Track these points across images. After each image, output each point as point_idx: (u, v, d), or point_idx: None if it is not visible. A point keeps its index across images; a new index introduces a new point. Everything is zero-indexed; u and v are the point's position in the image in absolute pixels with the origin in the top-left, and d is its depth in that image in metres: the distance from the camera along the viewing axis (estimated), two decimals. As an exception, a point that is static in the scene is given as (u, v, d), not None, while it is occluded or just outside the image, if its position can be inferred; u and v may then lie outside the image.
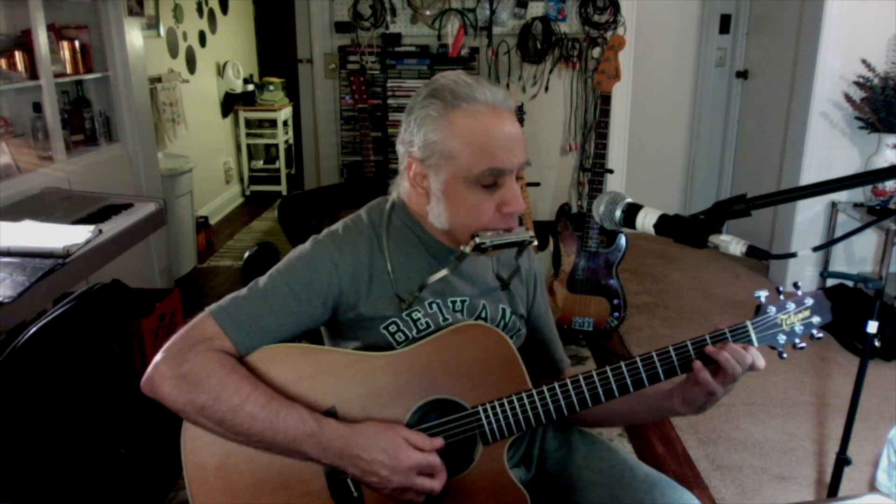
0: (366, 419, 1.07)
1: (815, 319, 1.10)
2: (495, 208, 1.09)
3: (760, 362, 1.05)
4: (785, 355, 1.09)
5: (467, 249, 1.09)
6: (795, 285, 1.11)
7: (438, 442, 1.06)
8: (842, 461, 1.93)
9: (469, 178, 1.07)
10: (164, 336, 2.68)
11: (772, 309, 1.09)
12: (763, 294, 1.09)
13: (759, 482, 2.20)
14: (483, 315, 1.21)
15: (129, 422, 1.95)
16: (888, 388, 2.75)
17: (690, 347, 1.07)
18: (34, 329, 1.55)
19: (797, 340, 1.09)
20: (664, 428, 2.52)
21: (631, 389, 1.09)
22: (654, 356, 1.08)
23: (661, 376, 1.08)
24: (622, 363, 1.09)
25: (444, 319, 1.17)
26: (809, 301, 1.10)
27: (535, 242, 1.18)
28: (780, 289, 1.10)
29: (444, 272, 1.14)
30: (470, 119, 1.07)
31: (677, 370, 1.08)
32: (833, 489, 1.95)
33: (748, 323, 1.08)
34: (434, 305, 1.17)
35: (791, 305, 1.09)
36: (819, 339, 1.10)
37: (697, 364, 1.05)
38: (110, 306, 1.82)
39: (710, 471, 2.26)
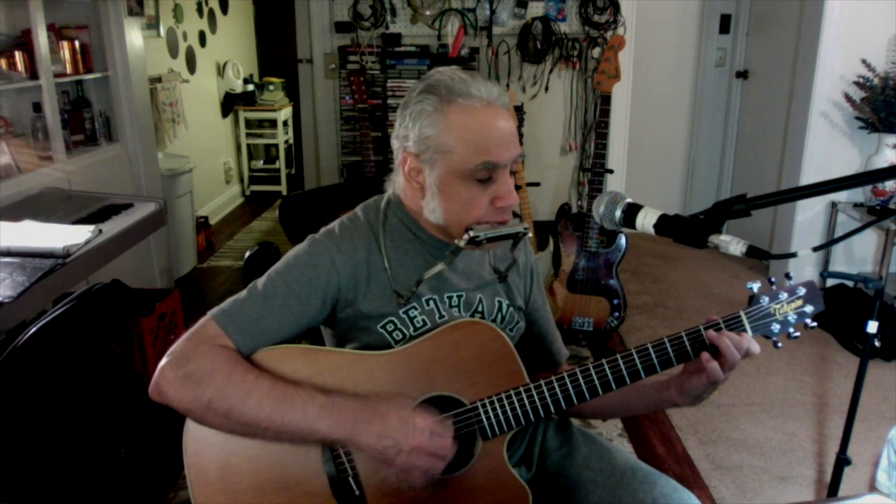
0: None
1: (808, 308, 1.10)
2: (489, 202, 1.10)
3: (755, 347, 1.06)
4: (780, 344, 1.10)
5: (461, 243, 1.10)
6: (787, 276, 1.11)
7: (448, 422, 1.07)
8: (842, 461, 1.93)
9: (464, 173, 1.08)
10: (164, 336, 2.69)
11: (764, 299, 1.10)
12: (755, 285, 1.10)
13: (759, 482, 2.20)
14: (480, 309, 1.21)
15: (129, 422, 1.95)
16: (888, 388, 2.75)
17: (685, 339, 1.08)
18: (34, 329, 1.55)
19: (791, 330, 1.10)
20: (664, 428, 2.52)
21: (628, 382, 1.10)
22: (650, 348, 1.09)
23: (658, 367, 1.09)
24: (618, 356, 1.10)
25: (441, 316, 1.18)
26: (801, 290, 1.10)
27: (530, 234, 1.18)
28: (773, 280, 1.11)
29: (439, 267, 1.16)
30: (465, 114, 1.08)
31: (673, 361, 1.09)
32: (833, 489, 1.95)
33: (741, 313, 1.09)
34: (431, 302, 1.18)
35: (783, 295, 1.10)
36: (813, 327, 1.11)
37: (706, 355, 1.06)
38: (110, 306, 1.82)
39: (710, 471, 2.26)
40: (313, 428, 1.01)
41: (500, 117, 1.10)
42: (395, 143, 1.16)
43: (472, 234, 1.09)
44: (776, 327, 1.09)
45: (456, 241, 1.12)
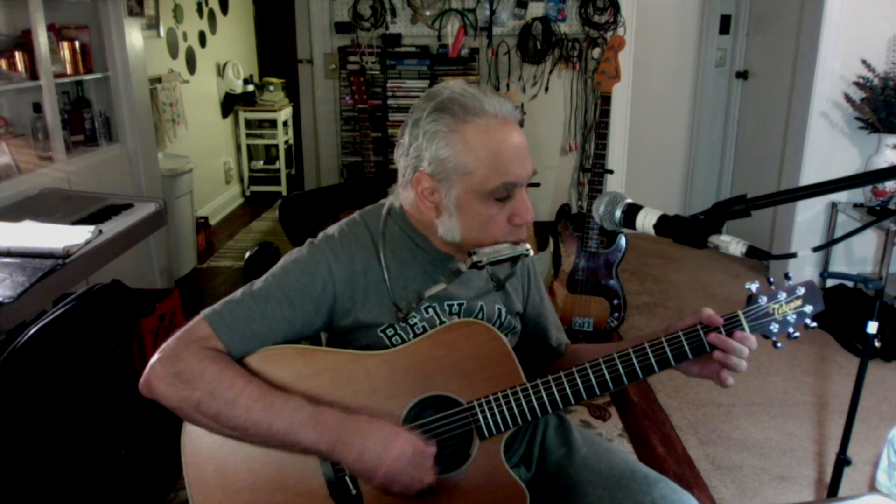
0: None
1: (808, 308, 1.10)
2: (507, 220, 1.11)
3: (752, 343, 1.07)
4: (780, 345, 1.10)
5: (464, 267, 1.12)
6: (787, 276, 1.11)
7: (431, 447, 1.06)
8: (842, 461, 1.93)
9: (483, 193, 1.08)
10: (164, 336, 2.67)
11: (763, 298, 1.10)
12: (754, 285, 1.10)
13: (759, 482, 2.20)
14: (480, 317, 1.22)
15: (129, 422, 1.95)
16: (888, 388, 2.74)
17: (683, 339, 1.09)
18: (34, 329, 1.55)
19: (790, 329, 1.10)
20: (664, 428, 2.52)
21: (626, 381, 1.10)
22: (647, 348, 1.09)
23: (656, 367, 1.09)
24: (615, 355, 1.10)
25: (441, 322, 1.18)
26: (801, 290, 1.10)
27: (532, 254, 1.18)
28: (772, 280, 1.11)
29: (440, 286, 1.16)
30: (482, 134, 1.07)
31: (671, 361, 1.09)
32: (833, 489, 1.95)
33: (739, 312, 1.09)
34: (431, 310, 1.18)
35: (782, 295, 1.10)
36: (813, 327, 1.11)
37: (724, 374, 1.08)
38: (110, 306, 1.82)
39: (710, 471, 2.26)
40: (297, 439, 1.02)
41: (515, 134, 1.09)
42: (402, 161, 1.14)
43: (474, 259, 1.10)
44: (775, 327, 1.09)
45: (458, 266, 1.13)
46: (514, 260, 1.14)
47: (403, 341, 1.15)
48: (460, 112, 1.07)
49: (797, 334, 1.10)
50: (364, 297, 1.14)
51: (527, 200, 1.11)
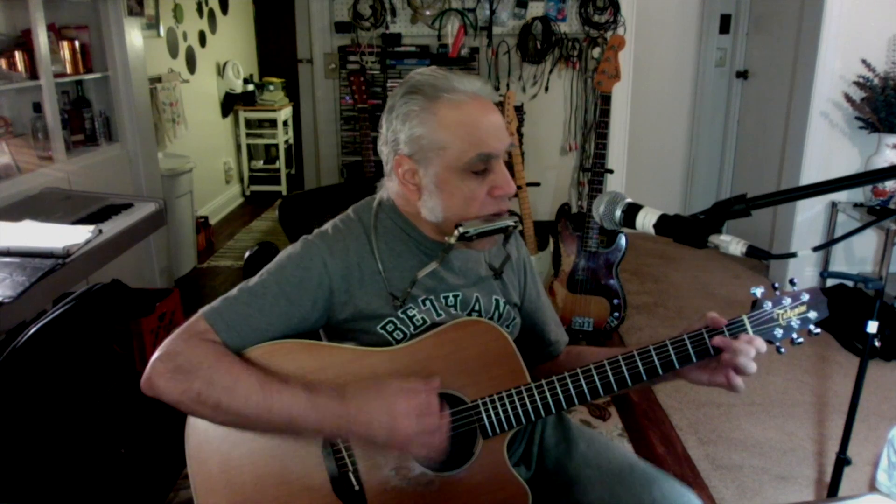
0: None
1: (812, 315, 1.10)
2: (487, 193, 1.11)
3: (760, 345, 1.06)
4: (783, 350, 1.10)
5: (452, 240, 1.11)
6: (791, 282, 1.11)
7: (436, 382, 1.06)
8: (842, 461, 1.93)
9: (460, 167, 1.09)
10: (164, 336, 2.66)
11: (768, 304, 1.10)
12: (759, 290, 1.10)
13: (759, 482, 2.20)
14: (477, 307, 1.22)
15: (129, 422, 1.95)
16: (888, 388, 2.75)
17: (688, 342, 1.08)
18: (34, 329, 1.55)
19: (794, 335, 1.10)
20: (664, 428, 2.52)
21: (630, 384, 1.10)
22: (652, 350, 1.09)
23: (660, 370, 1.09)
24: (620, 357, 1.10)
25: (438, 314, 1.18)
26: (805, 297, 1.10)
27: (520, 227, 1.18)
28: (777, 285, 1.11)
29: (433, 265, 1.16)
30: (453, 109, 1.08)
31: (675, 364, 1.09)
32: (833, 489, 1.96)
33: (744, 317, 1.09)
34: (427, 302, 1.18)
35: (787, 301, 1.10)
36: (816, 334, 1.11)
37: (733, 376, 1.06)
38: (110, 306, 1.83)
39: (710, 471, 2.26)
40: (300, 425, 1.02)
41: (487, 108, 1.11)
42: (383, 150, 1.17)
43: (461, 230, 1.09)
44: (779, 332, 1.09)
45: (446, 239, 1.12)
46: (504, 232, 1.13)
47: (405, 335, 1.15)
48: (431, 91, 1.09)
49: (801, 340, 1.10)
50: (361, 289, 1.14)
51: (506, 173, 1.12)
